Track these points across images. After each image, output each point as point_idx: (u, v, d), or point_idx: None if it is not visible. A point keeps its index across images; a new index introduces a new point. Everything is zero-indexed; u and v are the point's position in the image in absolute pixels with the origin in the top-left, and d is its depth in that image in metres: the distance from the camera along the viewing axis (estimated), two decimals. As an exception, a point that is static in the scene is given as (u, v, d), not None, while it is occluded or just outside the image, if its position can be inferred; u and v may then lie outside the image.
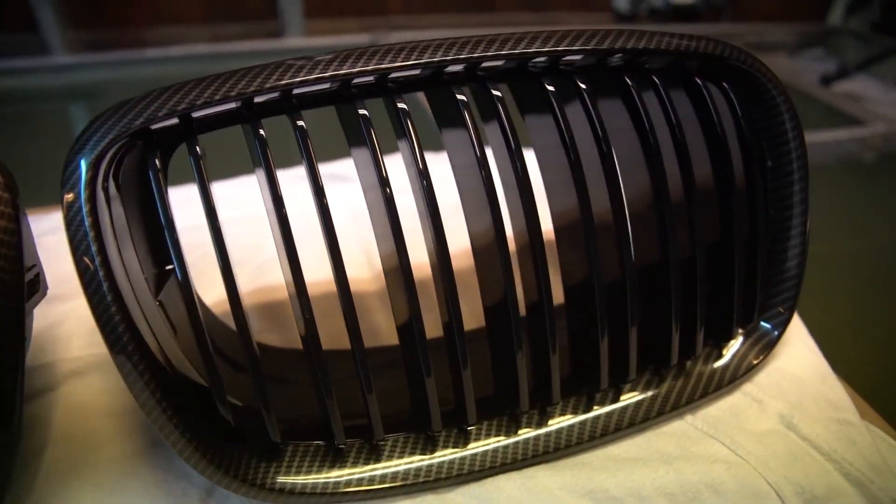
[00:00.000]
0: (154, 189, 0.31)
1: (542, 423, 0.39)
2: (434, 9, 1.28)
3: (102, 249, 0.29)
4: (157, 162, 0.31)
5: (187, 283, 0.31)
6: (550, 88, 0.35)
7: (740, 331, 0.43)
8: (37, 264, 0.35)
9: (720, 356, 0.43)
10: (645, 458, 0.38)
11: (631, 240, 0.37)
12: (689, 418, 0.41)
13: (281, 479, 0.34)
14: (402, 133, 0.33)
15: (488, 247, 0.35)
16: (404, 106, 0.33)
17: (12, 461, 0.31)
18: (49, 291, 0.38)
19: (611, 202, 0.36)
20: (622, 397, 0.40)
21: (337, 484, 0.35)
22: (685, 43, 0.37)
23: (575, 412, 0.39)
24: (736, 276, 0.40)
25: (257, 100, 0.32)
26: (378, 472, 0.35)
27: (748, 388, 0.42)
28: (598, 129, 0.35)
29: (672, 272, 0.38)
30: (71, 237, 0.29)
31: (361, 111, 0.33)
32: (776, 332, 0.43)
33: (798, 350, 0.45)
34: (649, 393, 0.40)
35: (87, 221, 0.29)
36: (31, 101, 1.01)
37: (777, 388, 0.42)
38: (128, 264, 0.32)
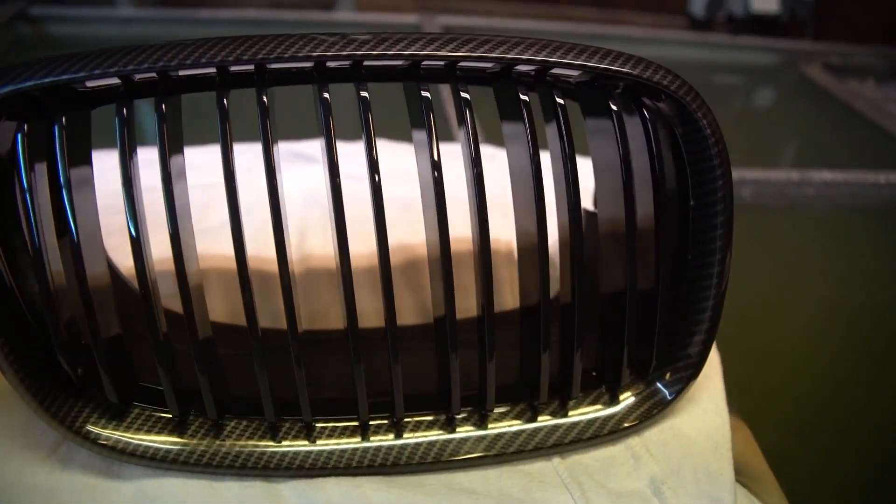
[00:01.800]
0: (19, 156, 0.32)
1: (394, 433, 0.38)
2: None
3: None
4: (25, 129, 0.33)
5: (40, 251, 0.32)
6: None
7: (636, 383, 0.40)
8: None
9: (609, 403, 0.40)
10: (482, 494, 0.36)
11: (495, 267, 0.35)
12: (556, 460, 0.39)
13: (117, 435, 0.35)
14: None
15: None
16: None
17: None
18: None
19: (479, 231, 0.35)
20: (488, 425, 0.39)
21: (169, 452, 0.36)
22: (596, 60, 0.34)
23: (429, 429, 0.38)
24: (626, 323, 0.38)
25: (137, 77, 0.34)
26: (211, 450, 0.36)
27: (633, 441, 0.40)
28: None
29: (543, 306, 0.36)
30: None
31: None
32: (670, 395, 0.40)
33: (704, 410, 0.41)
34: (514, 427, 0.39)
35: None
36: (85, 48, 1.08)
37: (661, 448, 0.39)
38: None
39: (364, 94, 0.33)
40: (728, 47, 1.32)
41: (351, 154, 0.69)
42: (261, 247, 0.53)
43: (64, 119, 0.33)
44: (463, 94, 0.34)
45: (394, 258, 0.34)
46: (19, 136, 0.33)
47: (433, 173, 0.33)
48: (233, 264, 0.51)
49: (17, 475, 0.36)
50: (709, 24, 1.44)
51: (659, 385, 0.40)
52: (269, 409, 0.36)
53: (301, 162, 0.61)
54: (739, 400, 0.47)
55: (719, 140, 0.36)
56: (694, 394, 0.41)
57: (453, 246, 0.35)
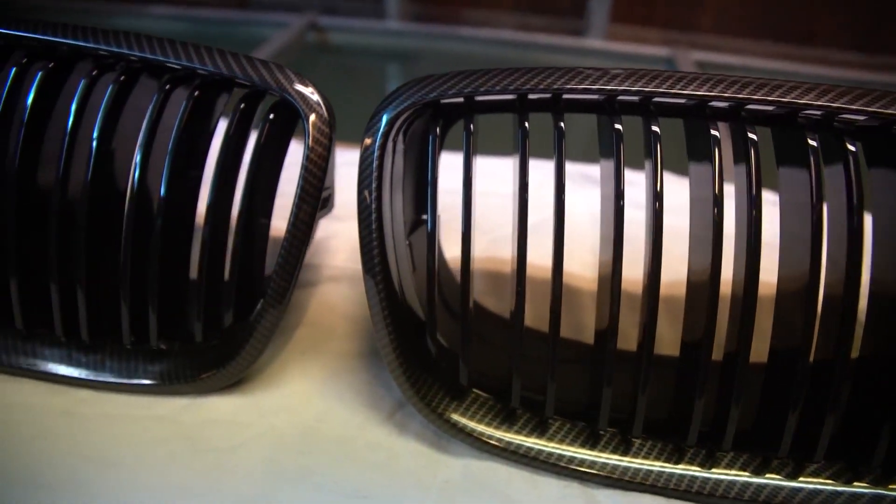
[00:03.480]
0: (430, 152, 0.37)
1: (707, 464, 0.38)
2: (746, 33, 1.20)
3: (379, 188, 0.37)
4: (437, 130, 0.37)
5: (433, 233, 0.37)
6: (812, 144, 0.34)
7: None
8: (330, 187, 0.45)
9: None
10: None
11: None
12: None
13: (456, 417, 0.39)
14: (649, 154, 0.35)
15: (698, 285, 0.36)
16: (657, 129, 0.35)
17: (276, 325, 0.41)
18: (333, 211, 0.48)
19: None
20: (800, 477, 0.38)
21: (500, 440, 0.39)
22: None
23: (742, 469, 0.38)
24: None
25: (530, 97, 0.37)
26: (537, 446, 0.39)
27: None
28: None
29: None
30: (360, 173, 0.37)
31: (617, 126, 0.36)
32: None
33: None
34: (833, 486, 0.38)
35: (375, 164, 0.37)
36: (359, 56, 1.21)
37: None
38: (394, 206, 0.40)
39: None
40: None
41: (635, 181, 0.71)
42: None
43: (472, 124, 0.37)
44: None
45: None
46: (432, 133, 0.37)
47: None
48: (540, 274, 0.54)
49: (361, 430, 0.41)
50: None
51: None
52: (604, 420, 0.38)
53: (589, 184, 0.64)
54: None
55: None
56: None
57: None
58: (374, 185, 0.37)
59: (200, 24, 1.22)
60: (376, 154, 0.37)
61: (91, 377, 0.43)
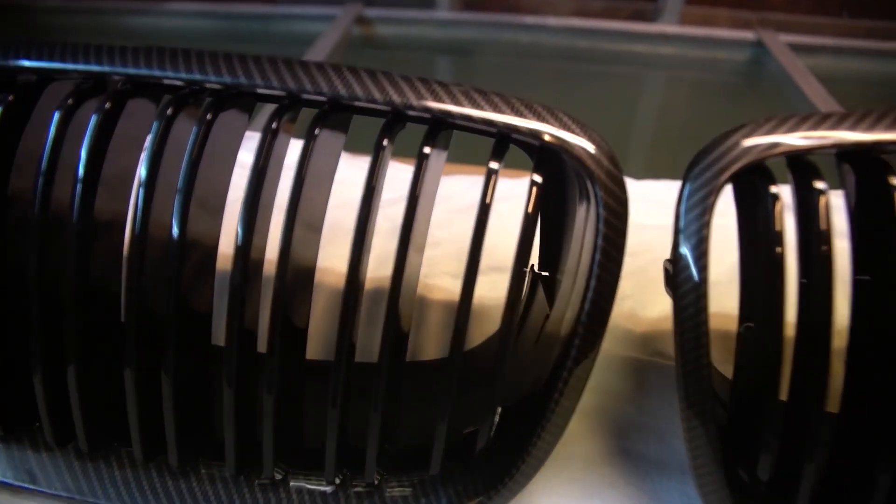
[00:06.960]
0: (770, 219, 0.29)
1: None
2: (817, 10, 1.13)
3: (704, 269, 0.29)
4: (772, 188, 0.29)
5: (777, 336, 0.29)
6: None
7: None
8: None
9: None
10: None
11: None
12: None
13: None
14: None
15: None
16: None
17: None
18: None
19: None
20: None
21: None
22: None
23: None
24: None
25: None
26: None
27: None
28: None
29: None
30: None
31: None
32: None
33: None
34: None
35: (700, 249, 0.28)
36: (408, 50, 1.10)
37: None
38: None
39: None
40: None
41: None
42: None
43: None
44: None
45: None
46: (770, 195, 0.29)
47: None
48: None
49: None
50: None
51: None
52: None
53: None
54: None
55: None
56: None
57: None
58: (697, 265, 0.28)
59: (229, 21, 1.07)
60: (702, 222, 0.28)
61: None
